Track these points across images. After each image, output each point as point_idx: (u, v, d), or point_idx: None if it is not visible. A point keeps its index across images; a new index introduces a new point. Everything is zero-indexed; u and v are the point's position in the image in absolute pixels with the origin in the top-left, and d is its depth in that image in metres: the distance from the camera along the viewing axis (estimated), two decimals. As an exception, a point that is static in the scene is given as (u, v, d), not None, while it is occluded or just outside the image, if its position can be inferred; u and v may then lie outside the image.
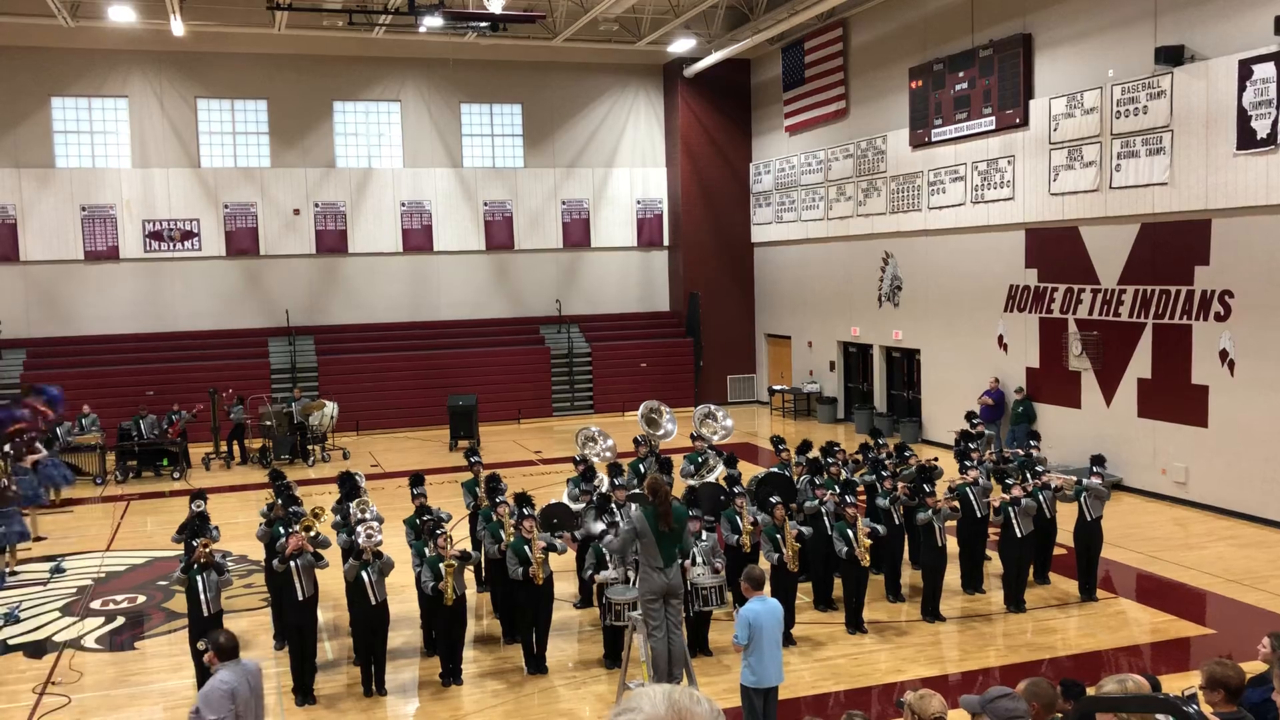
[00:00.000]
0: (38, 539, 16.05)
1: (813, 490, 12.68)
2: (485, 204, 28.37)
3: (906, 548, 12.90)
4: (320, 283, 27.29)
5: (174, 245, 26.16)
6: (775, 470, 13.92)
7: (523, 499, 11.24)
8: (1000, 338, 20.27)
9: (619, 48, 26.89)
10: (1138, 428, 17.25)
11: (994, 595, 12.39)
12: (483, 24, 22.03)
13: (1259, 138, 14.69)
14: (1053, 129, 18.46)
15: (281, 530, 11.19)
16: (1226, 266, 15.56)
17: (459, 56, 26.45)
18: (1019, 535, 11.89)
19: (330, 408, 22.50)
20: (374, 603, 9.93)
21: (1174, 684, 8.40)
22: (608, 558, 10.76)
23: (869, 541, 11.40)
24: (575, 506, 12.76)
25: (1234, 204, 15.23)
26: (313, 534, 10.36)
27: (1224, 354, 15.68)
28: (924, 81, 21.53)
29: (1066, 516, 12.74)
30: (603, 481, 13.28)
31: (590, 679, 10.38)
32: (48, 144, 25.28)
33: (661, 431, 16.72)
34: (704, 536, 11.10)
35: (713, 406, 17.32)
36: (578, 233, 29.15)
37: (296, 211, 26.93)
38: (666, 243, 29.93)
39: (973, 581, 12.54)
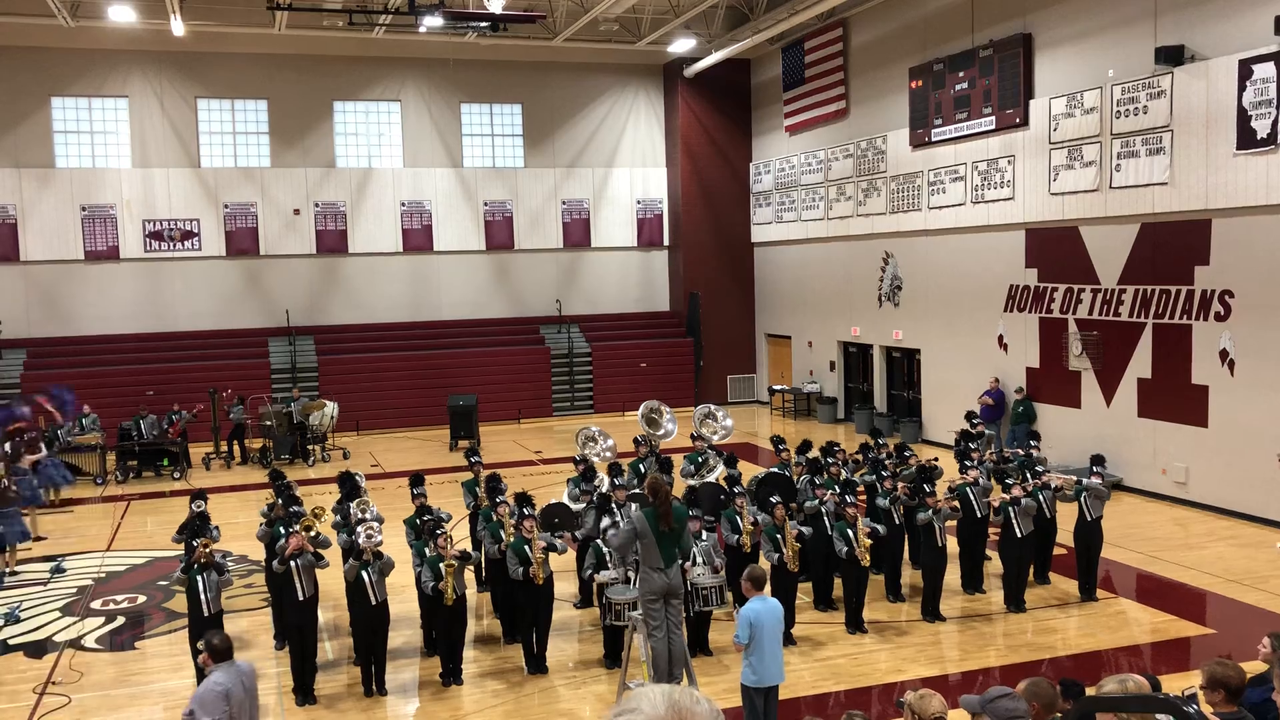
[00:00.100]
0: (38, 539, 16.05)
1: (813, 490, 12.68)
2: (485, 204, 28.37)
3: (906, 548, 12.90)
4: (320, 283, 27.29)
5: (174, 245, 26.16)
6: (775, 470, 13.92)
7: (523, 499, 11.24)
8: (1000, 338, 20.27)
9: (619, 48, 26.89)
10: (1138, 428, 17.25)
11: (994, 595, 12.39)
12: (483, 24, 22.03)
13: (1259, 138, 14.69)
14: (1053, 129, 18.46)
15: (282, 530, 11.19)
16: (1226, 266, 15.56)
17: (459, 56, 26.45)
18: (1019, 535, 11.89)
19: (330, 408, 22.50)
20: (374, 603, 9.93)
21: (1174, 684, 8.41)
22: (607, 557, 10.76)
23: (869, 541, 11.40)
24: (575, 506, 12.76)
25: (1234, 204, 15.23)
26: (313, 534, 10.36)
27: (1224, 354, 15.68)
28: (924, 81, 21.53)
29: (1066, 516, 12.74)
30: (603, 481, 13.28)
31: (590, 679, 10.38)
32: (48, 144, 25.29)
33: (662, 431, 16.71)
34: (704, 536, 11.10)
35: (713, 406, 17.32)
36: (578, 233, 29.15)
37: (297, 211, 26.93)
38: (667, 243, 29.93)
39: (973, 581, 12.54)
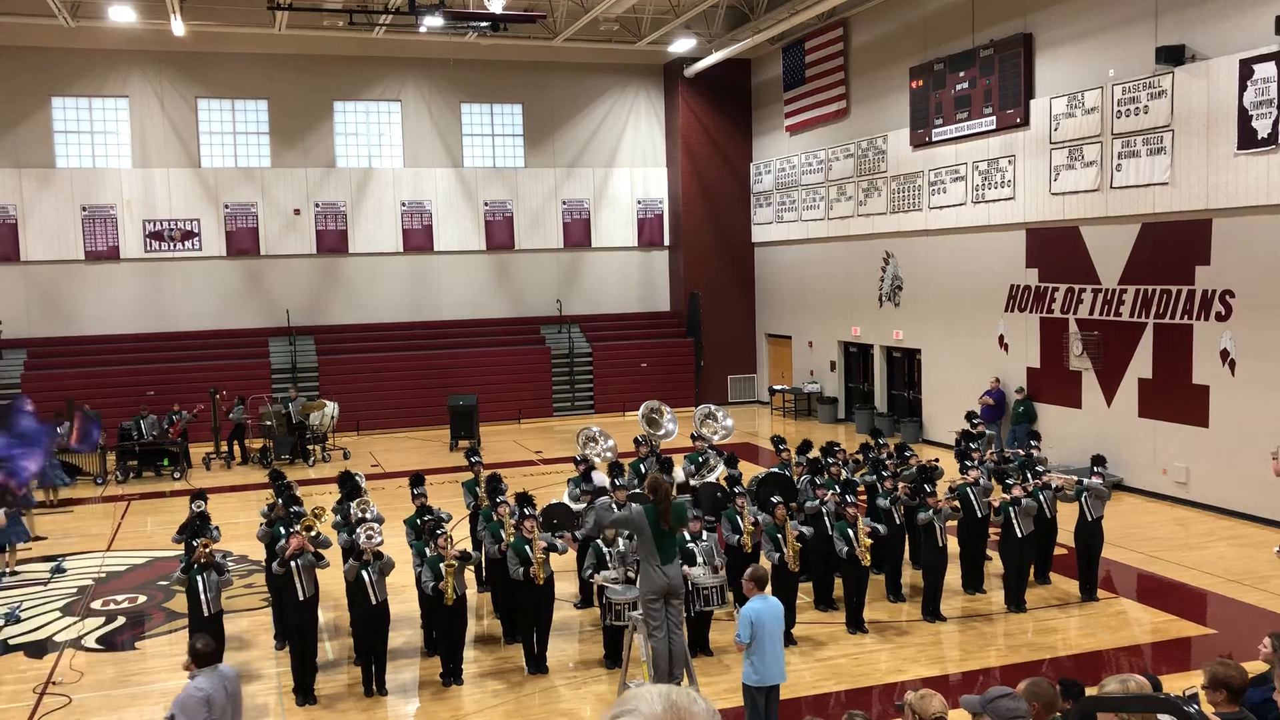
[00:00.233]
0: (37, 539, 16.05)
1: (813, 490, 12.67)
2: (486, 204, 28.37)
3: (907, 548, 12.90)
4: (321, 283, 27.29)
5: (174, 245, 26.16)
6: (776, 470, 13.91)
7: (524, 499, 11.23)
8: (1001, 338, 20.26)
9: (619, 48, 26.89)
10: (1138, 428, 17.24)
11: (994, 595, 12.38)
12: (483, 24, 22.03)
13: (1260, 137, 14.69)
14: (1053, 129, 18.45)
15: (282, 530, 11.18)
16: (1227, 266, 15.56)
17: (459, 56, 26.44)
18: (1019, 535, 11.88)
19: (331, 408, 22.50)
20: (374, 603, 9.93)
21: (1175, 684, 8.40)
22: (607, 557, 10.75)
23: (869, 541, 11.40)
24: (576, 506, 12.75)
25: (1235, 204, 15.22)
26: (313, 534, 10.35)
27: (1225, 354, 15.67)
28: (925, 81, 21.52)
29: (1067, 516, 12.74)
30: (603, 481, 13.27)
31: (591, 679, 10.38)
32: (48, 144, 25.29)
33: (662, 431, 16.70)
34: (704, 536, 11.09)
35: (713, 406, 17.31)
36: (578, 233, 29.15)
37: (297, 211, 26.93)
38: (667, 242, 29.93)
39: (973, 581, 12.54)
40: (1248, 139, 14.85)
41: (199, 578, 9.77)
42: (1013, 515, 11.88)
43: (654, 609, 8.94)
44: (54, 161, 25.34)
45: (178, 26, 22.46)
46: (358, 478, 12.87)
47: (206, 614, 9.73)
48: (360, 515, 11.24)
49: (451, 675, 10.31)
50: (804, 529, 11.47)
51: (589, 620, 11.93)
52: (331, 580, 11.56)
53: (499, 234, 28.49)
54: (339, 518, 12.00)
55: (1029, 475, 12.62)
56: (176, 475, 21.03)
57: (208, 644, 7.19)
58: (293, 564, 9.96)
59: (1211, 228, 15.75)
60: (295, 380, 24.93)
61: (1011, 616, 11.77)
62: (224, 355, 25.64)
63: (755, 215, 29.06)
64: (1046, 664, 10.31)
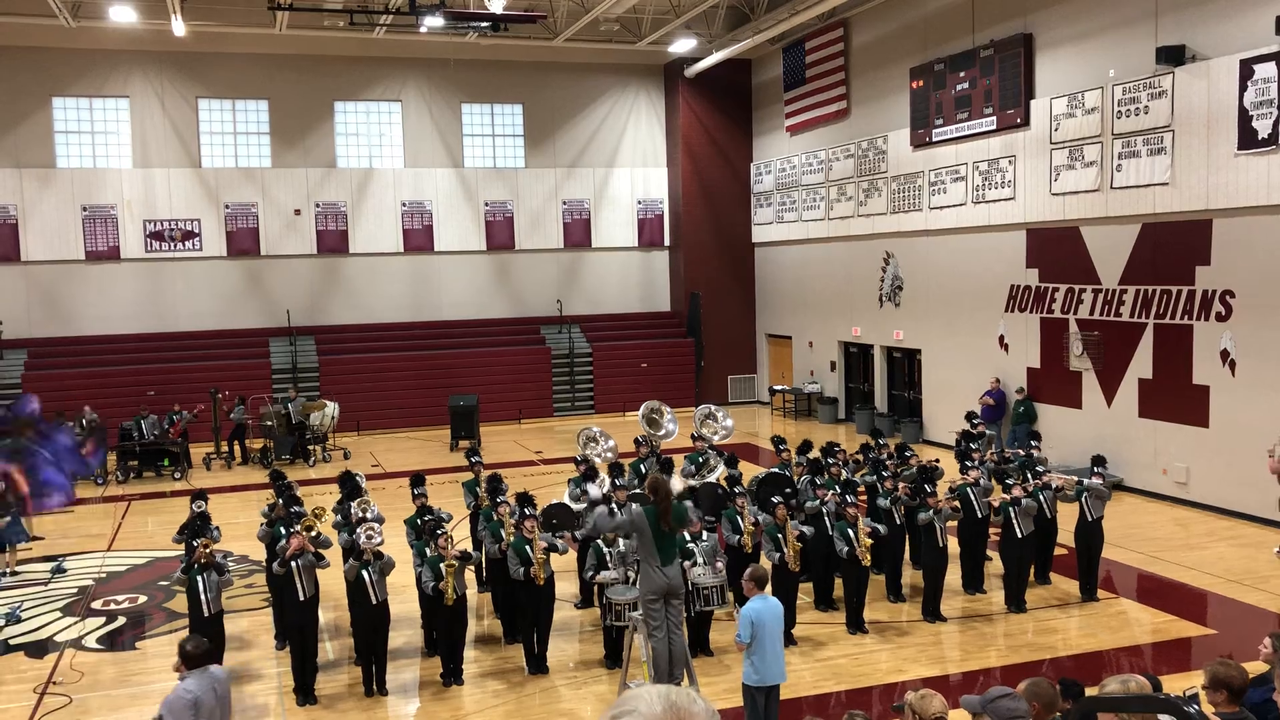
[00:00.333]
0: (35, 539, 16.04)
1: (813, 490, 12.67)
2: (486, 204, 28.38)
3: (907, 548, 12.90)
4: (321, 283, 27.30)
5: (175, 245, 26.17)
6: (776, 470, 13.92)
7: (524, 499, 11.24)
8: (1001, 338, 20.26)
9: (620, 48, 26.89)
10: (1139, 428, 17.25)
11: (995, 595, 12.38)
12: (484, 24, 22.04)
13: (1260, 138, 14.69)
14: (1054, 129, 18.45)
15: (282, 531, 11.19)
16: (1228, 266, 15.56)
17: (460, 57, 26.45)
18: (1019, 535, 11.88)
19: (331, 408, 22.51)
20: (375, 602, 9.93)
21: (1175, 684, 8.40)
22: (607, 557, 10.76)
23: (870, 541, 11.40)
24: (576, 507, 12.75)
25: (1235, 204, 15.22)
26: (314, 534, 10.35)
27: (1225, 354, 15.67)
28: (925, 81, 21.53)
29: (1067, 517, 12.74)
30: (604, 481, 13.27)
31: (591, 679, 10.38)
32: (49, 144, 25.30)
33: (662, 432, 16.69)
34: (705, 536, 11.10)
35: (713, 407, 17.30)
36: (578, 233, 29.16)
37: (297, 212, 26.94)
38: (667, 243, 29.93)
39: (973, 582, 12.54)
40: (1248, 139, 14.86)
41: (199, 578, 9.78)
42: (1013, 515, 11.88)
43: (654, 609, 8.95)
44: (54, 161, 25.35)
45: (178, 27, 22.47)
46: (358, 478, 12.88)
47: (207, 614, 9.74)
48: (361, 515, 11.25)
49: (452, 675, 10.31)
50: (804, 529, 11.47)
51: (589, 620, 11.93)
52: (332, 580, 11.57)
53: (499, 234, 28.50)
54: (339, 518, 12.00)
55: (1029, 475, 12.62)
56: (177, 475, 21.04)
57: (198, 645, 7.16)
58: (293, 564, 9.96)
59: (1212, 228, 15.75)
60: (296, 380, 24.94)
61: (1012, 617, 11.77)
62: (224, 355, 25.64)
63: (755, 215, 29.07)
64: (1047, 664, 10.31)
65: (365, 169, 27.44)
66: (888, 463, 13.60)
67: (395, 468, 20.79)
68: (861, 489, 12.81)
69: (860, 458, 14.43)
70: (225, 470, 21.83)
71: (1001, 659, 10.60)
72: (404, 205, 27.70)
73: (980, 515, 12.27)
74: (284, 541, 10.47)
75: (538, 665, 10.52)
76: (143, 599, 13.32)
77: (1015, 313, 19.88)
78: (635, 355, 28.12)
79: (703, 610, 10.69)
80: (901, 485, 12.68)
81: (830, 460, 13.54)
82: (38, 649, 11.56)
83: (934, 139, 21.40)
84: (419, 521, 11.48)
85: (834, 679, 10.22)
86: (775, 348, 29.01)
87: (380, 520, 11.14)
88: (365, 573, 9.91)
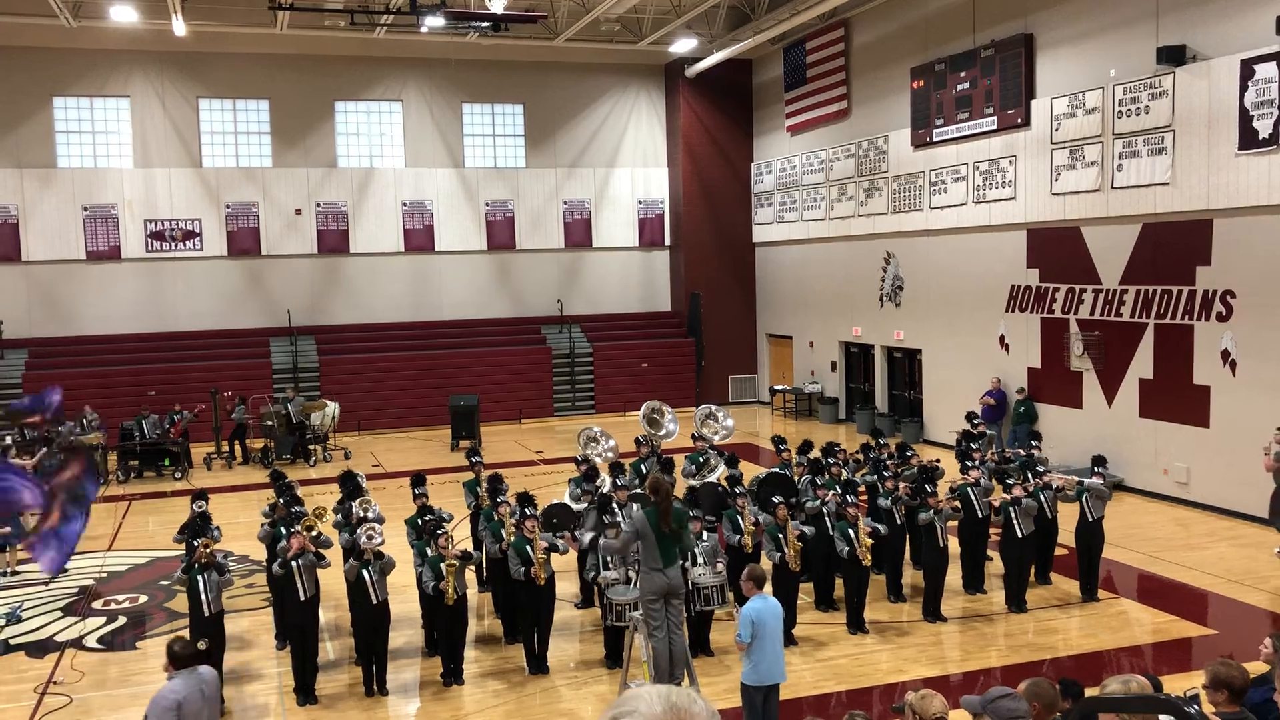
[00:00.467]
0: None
1: (814, 490, 12.67)
2: (487, 204, 28.38)
3: (908, 548, 12.89)
4: (322, 283, 27.30)
5: (175, 245, 26.18)
6: (776, 470, 13.92)
7: (525, 499, 11.24)
8: (1002, 338, 20.26)
9: (620, 48, 26.90)
10: (1139, 428, 17.24)
11: (995, 595, 12.38)
12: (484, 24, 22.03)
13: (1261, 138, 14.68)
14: (1054, 129, 18.45)
15: (283, 531, 11.18)
16: (1228, 267, 15.55)
17: (460, 56, 26.46)
18: (1020, 535, 11.88)
19: (331, 408, 22.51)
20: (375, 602, 9.94)
21: (1176, 684, 8.40)
22: (608, 558, 10.75)
23: (870, 541, 11.40)
24: (577, 507, 12.76)
25: (1235, 204, 15.22)
26: (315, 534, 10.35)
27: (1225, 354, 15.67)
28: (925, 81, 21.52)
29: (1068, 517, 12.73)
30: (604, 481, 13.28)
31: (591, 679, 10.38)
32: (49, 144, 25.31)
33: (663, 432, 16.71)
34: (705, 537, 11.10)
35: (714, 407, 17.32)
36: (579, 233, 29.16)
37: (298, 211, 26.94)
38: (668, 243, 29.93)
39: (974, 582, 12.54)
40: (1249, 139, 14.85)
41: (200, 577, 9.78)
42: (1013, 515, 11.88)
43: (654, 609, 8.95)
44: (55, 161, 25.36)
45: (179, 26, 22.47)
46: (359, 478, 12.88)
47: (207, 614, 9.74)
48: (362, 515, 11.25)
49: (452, 675, 10.31)
50: (805, 529, 11.47)
51: (590, 620, 11.93)
52: (332, 580, 11.57)
53: (500, 234, 28.50)
54: (340, 517, 12.01)
55: (1029, 475, 12.61)
56: (177, 475, 21.04)
57: (186, 645, 7.13)
58: (294, 564, 9.96)
59: (1212, 228, 15.75)
60: (296, 380, 24.95)
61: (1012, 617, 11.76)
62: (225, 355, 25.65)
63: (756, 215, 29.07)
64: (1047, 664, 10.31)
65: (366, 169, 27.45)
66: (888, 463, 13.60)
67: (396, 468, 20.79)
68: (862, 489, 12.81)
69: (861, 458, 14.44)
70: (226, 470, 21.84)
71: (1002, 659, 10.59)
72: (405, 205, 27.70)
73: (981, 515, 12.27)
74: (284, 542, 10.47)
75: (538, 665, 10.52)
76: (143, 599, 13.33)
77: (1016, 313, 19.87)
78: (636, 355, 28.12)
79: (703, 610, 10.69)
80: (902, 485, 12.68)
81: (831, 460, 13.54)
82: (38, 649, 11.56)
83: (935, 139, 21.40)
84: (419, 521, 11.48)
85: (834, 679, 10.22)
86: (776, 348, 29.00)
87: (381, 520, 11.15)
88: (365, 572, 9.91)
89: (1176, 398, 16.50)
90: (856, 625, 11.39)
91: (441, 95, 27.69)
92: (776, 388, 27.93)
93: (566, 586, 12.32)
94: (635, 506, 10.98)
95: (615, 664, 10.37)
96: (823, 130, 25.66)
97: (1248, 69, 14.80)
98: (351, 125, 27.42)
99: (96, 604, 13.10)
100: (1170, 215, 16.36)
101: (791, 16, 22.92)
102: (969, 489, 12.32)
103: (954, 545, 12.34)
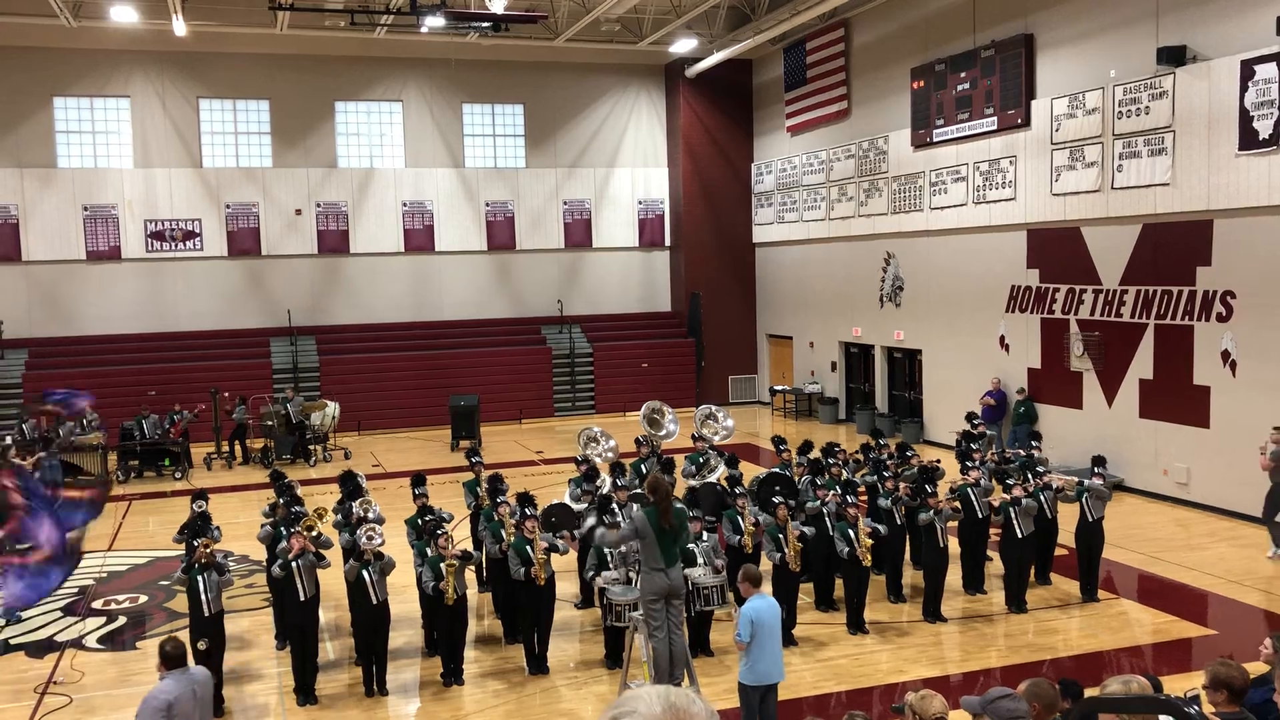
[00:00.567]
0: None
1: (814, 491, 12.67)
2: (487, 204, 28.38)
3: (908, 548, 12.89)
4: (322, 283, 27.31)
5: (176, 245, 26.18)
6: (776, 470, 13.92)
7: (525, 499, 11.24)
8: (1002, 338, 20.26)
9: (621, 48, 26.90)
10: (1139, 428, 17.24)
11: (995, 596, 12.38)
12: (485, 24, 22.03)
13: (1261, 138, 14.68)
14: (1054, 129, 18.45)
15: (283, 531, 11.18)
16: (1228, 267, 15.55)
17: (461, 57, 26.46)
18: (1020, 536, 11.88)
19: (332, 408, 22.51)
20: (375, 602, 9.94)
21: (1176, 685, 8.40)
22: (608, 556, 10.76)
23: (870, 541, 11.40)
24: (577, 507, 12.76)
25: (1236, 204, 15.22)
26: (315, 534, 10.35)
27: (1226, 354, 15.67)
28: (926, 82, 21.52)
29: (1068, 517, 12.73)
30: (605, 482, 13.28)
31: (591, 679, 10.38)
32: (50, 144, 25.31)
33: (663, 432, 16.71)
34: (705, 537, 11.10)
35: (714, 407, 17.32)
36: (579, 233, 29.16)
37: (298, 211, 26.94)
38: (668, 243, 29.93)
39: (974, 582, 12.54)
40: (1249, 140, 14.85)
41: (200, 577, 9.77)
42: (1013, 515, 11.88)
43: (655, 609, 8.95)
44: (55, 161, 25.36)
45: (179, 26, 22.47)
46: (359, 478, 12.89)
47: (207, 614, 9.73)
48: (362, 515, 11.25)
49: (452, 675, 10.31)
50: (805, 529, 11.47)
51: (590, 620, 11.93)
52: (332, 580, 11.57)
53: (500, 234, 28.50)
54: (340, 517, 12.01)
55: (1030, 475, 12.61)
56: (178, 475, 21.04)
57: (177, 646, 7.09)
58: (294, 564, 9.96)
59: (1212, 228, 15.75)
60: (296, 380, 24.95)
61: (1012, 617, 11.76)
62: (225, 355, 25.65)
63: (756, 215, 29.07)
64: (1047, 665, 10.31)
65: (366, 169, 27.45)
66: (888, 463, 13.60)
67: (396, 468, 20.79)
68: (862, 489, 12.81)
69: (861, 458, 14.44)
70: (226, 470, 21.84)
71: (1002, 659, 10.59)
72: (405, 205, 27.70)
73: (981, 515, 12.27)
74: (285, 543, 10.47)
75: (538, 665, 10.52)
76: (143, 599, 13.33)
77: (1016, 313, 19.87)
78: (636, 355, 28.12)
79: (703, 610, 10.69)
80: (902, 485, 12.68)
81: (831, 460, 13.54)
82: (38, 649, 11.56)
83: (935, 139, 21.40)
84: (420, 521, 11.48)
85: (834, 679, 10.22)
86: (776, 348, 29.00)
87: (381, 520, 11.15)
88: (365, 573, 9.92)
89: (1177, 398, 16.50)
90: (856, 625, 11.39)
91: (442, 95, 27.69)
92: (776, 388, 27.93)
93: (566, 587, 12.32)
94: (635, 506, 10.97)
95: (615, 664, 10.38)
96: (823, 130, 25.66)
97: (1248, 69, 14.80)
98: (352, 125, 27.42)
99: (96, 604, 13.10)
100: (1170, 216, 16.36)
101: (791, 17, 22.92)
102: (969, 489, 12.32)
103: (954, 546, 12.33)
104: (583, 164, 29.08)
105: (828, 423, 25.56)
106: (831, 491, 12.02)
